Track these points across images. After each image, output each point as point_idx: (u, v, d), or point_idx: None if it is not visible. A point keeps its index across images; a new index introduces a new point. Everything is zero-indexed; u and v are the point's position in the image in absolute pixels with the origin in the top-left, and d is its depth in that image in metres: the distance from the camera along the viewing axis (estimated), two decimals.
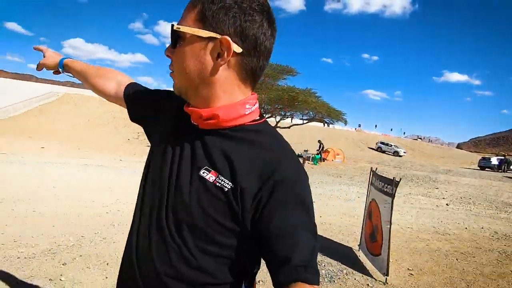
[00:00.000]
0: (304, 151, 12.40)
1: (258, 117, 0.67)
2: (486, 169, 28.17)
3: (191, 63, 0.60)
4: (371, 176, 4.03)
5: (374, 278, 3.29)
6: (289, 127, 19.30)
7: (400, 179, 3.40)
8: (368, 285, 3.16)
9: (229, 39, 0.57)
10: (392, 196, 3.20)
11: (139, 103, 0.84)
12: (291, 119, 18.99)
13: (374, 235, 3.54)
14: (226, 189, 0.59)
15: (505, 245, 4.95)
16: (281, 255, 0.55)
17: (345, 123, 20.25)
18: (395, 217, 4.70)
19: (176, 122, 0.70)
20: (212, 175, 0.60)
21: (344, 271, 3.40)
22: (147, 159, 0.74)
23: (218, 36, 0.57)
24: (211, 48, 0.58)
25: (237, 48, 0.58)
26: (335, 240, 4.47)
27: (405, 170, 19.18)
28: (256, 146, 0.62)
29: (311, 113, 18.24)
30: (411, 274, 3.54)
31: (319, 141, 18.31)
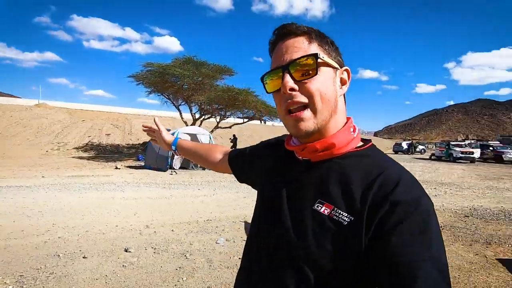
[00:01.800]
0: None
1: (364, 141, 0.68)
2: (399, 152, 33.05)
3: (331, 92, 0.61)
4: None
5: None
6: (230, 127, 19.36)
7: None
8: None
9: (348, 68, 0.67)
10: None
11: (240, 165, 0.93)
12: (220, 119, 19.12)
13: None
14: (345, 222, 0.55)
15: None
16: None
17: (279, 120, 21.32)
18: None
19: (276, 163, 0.74)
20: (326, 208, 0.58)
21: None
22: (256, 204, 0.76)
23: (338, 67, 0.64)
24: (338, 77, 0.64)
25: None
26: None
27: None
28: (369, 172, 0.59)
29: (251, 112, 18.61)
30: None
31: (233, 135, 18.93)
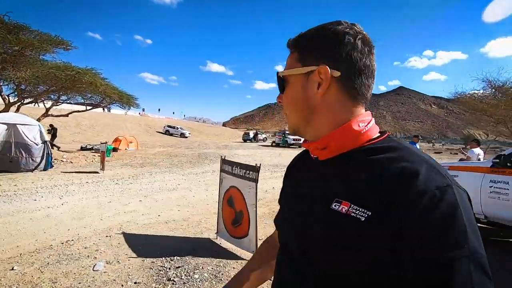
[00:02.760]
0: (102, 143, 10.32)
1: (379, 134, 0.63)
2: (247, 141, 37.30)
3: (299, 99, 0.64)
4: (222, 164, 4.16)
5: (245, 259, 3.54)
6: (67, 115, 15.51)
7: (260, 164, 3.76)
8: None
9: (326, 66, 0.60)
10: (256, 181, 3.51)
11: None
12: (52, 104, 14.84)
13: (238, 220, 3.76)
14: (363, 218, 0.51)
15: None
16: None
17: (130, 107, 18.96)
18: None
19: (295, 173, 0.77)
20: (344, 206, 0.55)
21: (222, 264, 3.39)
22: (276, 216, 0.79)
23: (314, 68, 0.61)
24: (313, 80, 0.62)
25: (335, 73, 0.60)
26: (188, 236, 4.30)
27: (198, 150, 21.30)
28: (385, 163, 0.54)
29: (97, 97, 15.55)
30: None
31: (50, 125, 15.49)
